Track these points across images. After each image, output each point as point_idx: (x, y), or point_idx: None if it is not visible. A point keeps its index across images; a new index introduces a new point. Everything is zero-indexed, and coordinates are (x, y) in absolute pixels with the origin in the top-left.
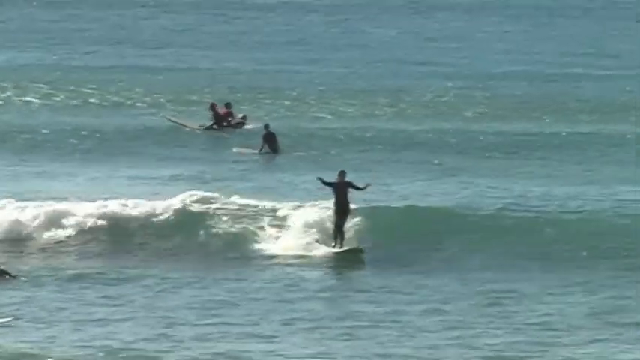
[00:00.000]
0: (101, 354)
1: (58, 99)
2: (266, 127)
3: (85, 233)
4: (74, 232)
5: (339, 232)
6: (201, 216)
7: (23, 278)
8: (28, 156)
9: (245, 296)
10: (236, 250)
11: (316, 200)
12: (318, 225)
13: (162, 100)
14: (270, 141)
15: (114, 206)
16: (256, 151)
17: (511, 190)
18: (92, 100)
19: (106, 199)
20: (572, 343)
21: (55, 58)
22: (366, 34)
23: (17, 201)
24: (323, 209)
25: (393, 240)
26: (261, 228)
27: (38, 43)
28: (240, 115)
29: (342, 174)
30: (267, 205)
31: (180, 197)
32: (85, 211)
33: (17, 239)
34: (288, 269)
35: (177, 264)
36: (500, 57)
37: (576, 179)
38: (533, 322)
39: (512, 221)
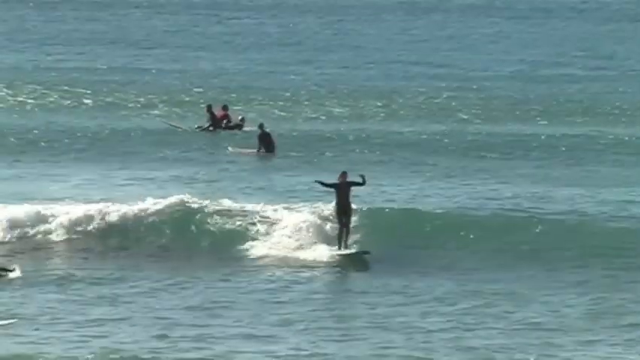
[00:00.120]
0: (94, 355)
1: (51, 99)
2: (261, 126)
3: (78, 234)
4: (67, 233)
5: (345, 231)
6: (196, 217)
7: (17, 273)
8: (20, 156)
9: (240, 298)
10: (231, 251)
11: (311, 201)
12: (313, 226)
13: (155, 100)
14: (265, 141)
15: (107, 207)
16: (251, 151)
17: (507, 191)
18: (86, 101)
19: (99, 201)
20: (570, 344)
21: (49, 59)
22: (360, 35)
23: (10, 202)
24: (317, 210)
25: (390, 241)
26: (256, 229)
27: (32, 44)
28: (240, 118)
29: (344, 174)
30: (262, 206)
31: (176, 198)
32: (78, 212)
33: (10, 240)
34: (283, 270)
35: (172, 265)
36: (493, 58)
37: (571, 180)
38: (530, 322)
39: (509, 222)
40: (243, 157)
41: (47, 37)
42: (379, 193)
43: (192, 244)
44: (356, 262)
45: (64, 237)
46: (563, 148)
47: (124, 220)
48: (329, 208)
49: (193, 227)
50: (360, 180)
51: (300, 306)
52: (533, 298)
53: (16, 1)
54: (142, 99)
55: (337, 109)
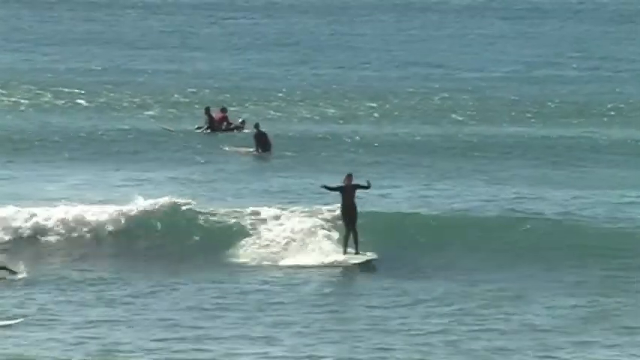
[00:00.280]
0: (91, 357)
1: (46, 100)
2: (256, 126)
3: (74, 236)
4: (62, 235)
5: (352, 235)
6: (193, 219)
7: (24, 274)
8: (14, 157)
9: (237, 299)
10: (228, 252)
11: (309, 202)
12: (311, 227)
13: (150, 101)
14: (261, 140)
15: (103, 208)
16: (247, 150)
17: (503, 192)
18: (80, 102)
19: (95, 202)
20: (568, 346)
21: (44, 59)
22: (355, 35)
23: (4, 203)
24: (316, 211)
25: (387, 242)
26: (253, 231)
27: (27, 44)
28: (240, 120)
29: (349, 177)
30: (259, 207)
31: (172, 199)
32: (73, 213)
33: (4, 242)
34: (281, 272)
35: (169, 266)
36: (489, 59)
37: (568, 181)
38: (529, 324)
39: (506, 224)
40: (240, 157)
41: (42, 37)
42: (375, 194)
43: (189, 246)
44: (354, 265)
45: (60, 238)
46: (559, 149)
47: (119, 221)
48: (327, 209)
49: (190, 229)
50: (365, 184)
51: (297, 308)
52: (531, 299)
53: (11, 1)
54: (136, 99)
55: (331, 110)
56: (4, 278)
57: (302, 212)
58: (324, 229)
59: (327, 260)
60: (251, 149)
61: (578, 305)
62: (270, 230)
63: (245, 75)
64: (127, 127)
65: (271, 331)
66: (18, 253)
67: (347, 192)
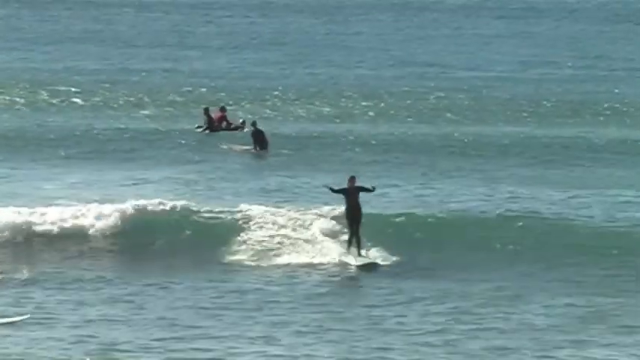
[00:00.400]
0: (90, 356)
1: (42, 98)
2: (254, 124)
3: (71, 235)
4: (60, 234)
5: (355, 237)
6: (191, 218)
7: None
8: (10, 156)
9: (236, 298)
10: (227, 252)
11: (307, 202)
12: (311, 227)
13: (146, 99)
14: (258, 138)
15: (100, 208)
16: (244, 148)
17: (500, 192)
18: (76, 100)
19: (91, 201)
20: (566, 345)
21: (39, 58)
22: (350, 34)
23: (0, 202)
24: (315, 211)
25: (385, 242)
26: (251, 230)
27: (22, 43)
28: (241, 121)
29: (353, 179)
30: (257, 207)
31: (170, 199)
32: (70, 213)
33: (3, 241)
34: (280, 272)
35: (168, 266)
36: (484, 58)
37: (564, 181)
38: (527, 324)
39: (504, 224)
40: (237, 155)
41: (38, 36)
42: (372, 193)
43: (187, 245)
44: (352, 266)
45: (57, 237)
46: (555, 149)
47: (116, 220)
48: (326, 208)
49: (188, 228)
50: (369, 187)
51: (296, 307)
52: (529, 298)
53: (8, 0)
54: (132, 98)
55: (327, 109)
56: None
57: (298, 210)
58: (322, 227)
59: (326, 259)
60: (248, 147)
61: (576, 304)
62: (268, 229)
63: (241, 74)
64: (123, 125)
65: (270, 331)
66: (15, 252)
67: (351, 194)
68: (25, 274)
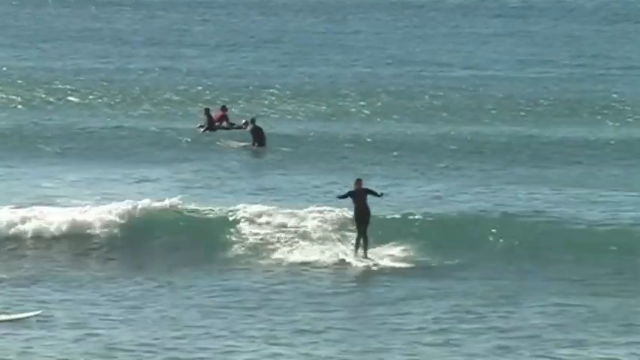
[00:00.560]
0: (91, 355)
1: (39, 96)
2: (252, 121)
3: (70, 235)
4: (57, 234)
5: (362, 238)
6: (190, 217)
7: None
8: (6, 154)
9: (235, 297)
10: (227, 251)
11: (307, 202)
12: (311, 227)
13: (143, 97)
14: (257, 135)
15: (96, 207)
16: (240, 144)
17: (497, 190)
18: (72, 99)
19: (87, 200)
20: (565, 344)
21: (35, 56)
22: (348, 33)
23: None
24: (315, 211)
25: (383, 241)
26: (252, 229)
27: (18, 40)
28: (243, 122)
29: (359, 182)
30: (258, 206)
31: (169, 198)
32: (67, 213)
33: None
34: (280, 271)
35: (168, 265)
36: (482, 57)
37: (562, 180)
38: (526, 324)
39: (503, 223)
40: (236, 154)
41: (35, 34)
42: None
43: (186, 244)
44: (350, 267)
45: (55, 237)
46: (552, 147)
47: (114, 220)
48: (325, 208)
49: (187, 226)
50: (378, 192)
51: (296, 305)
52: (529, 298)
53: None
54: (129, 97)
55: (323, 107)
56: None
57: (298, 209)
58: (321, 226)
59: (326, 258)
60: (245, 143)
61: (576, 304)
62: (267, 227)
63: (238, 72)
64: (120, 124)
65: (270, 330)
66: (14, 251)
67: (358, 195)
68: (23, 273)
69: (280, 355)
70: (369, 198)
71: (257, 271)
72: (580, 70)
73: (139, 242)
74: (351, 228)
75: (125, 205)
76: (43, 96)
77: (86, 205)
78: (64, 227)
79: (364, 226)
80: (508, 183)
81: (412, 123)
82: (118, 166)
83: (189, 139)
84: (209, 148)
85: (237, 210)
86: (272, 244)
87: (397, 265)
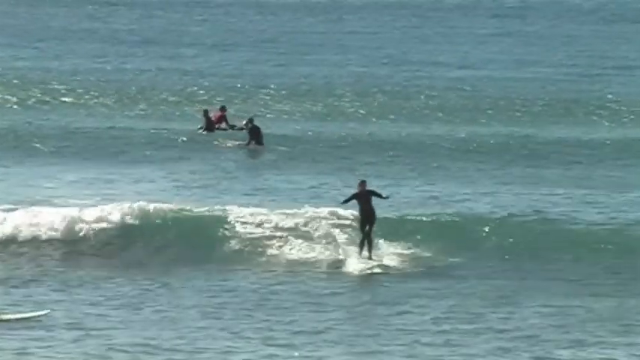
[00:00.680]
0: (90, 356)
1: (35, 96)
2: (251, 120)
3: (68, 235)
4: (54, 234)
5: (366, 239)
6: (189, 217)
7: None
8: (3, 154)
9: (233, 298)
10: (226, 252)
11: (305, 201)
12: (311, 227)
13: (139, 97)
14: (255, 134)
15: (93, 207)
16: (237, 143)
17: (495, 191)
18: (67, 99)
19: (84, 201)
20: (565, 344)
21: (32, 56)
22: (344, 33)
23: None
24: (314, 211)
25: (382, 241)
26: (250, 230)
27: (16, 39)
28: (244, 122)
29: (363, 183)
30: (255, 207)
31: (167, 199)
32: (65, 213)
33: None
34: (280, 271)
35: (166, 266)
36: (479, 57)
37: (560, 180)
38: (526, 324)
39: (502, 224)
40: (233, 154)
41: (32, 34)
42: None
43: (185, 244)
44: (350, 267)
45: (53, 238)
46: (549, 148)
47: (112, 220)
48: (324, 208)
49: (185, 227)
50: (383, 194)
51: (295, 306)
52: (528, 298)
53: None
54: (125, 97)
55: (319, 107)
56: None
57: (296, 209)
58: (321, 226)
59: (325, 258)
60: (242, 142)
61: (575, 304)
62: (265, 228)
63: (234, 72)
64: (115, 124)
65: (268, 330)
66: (13, 252)
67: (362, 197)
68: (23, 273)
69: (279, 356)
70: (374, 199)
71: (255, 272)
72: (576, 70)
73: (137, 242)
74: (351, 228)
75: (122, 205)
76: (39, 96)
77: (83, 205)
78: (61, 227)
79: (369, 227)
80: (505, 183)
81: (408, 123)
82: (114, 166)
83: (185, 139)
84: (206, 148)
85: (235, 210)
86: (270, 244)
87: (395, 265)
